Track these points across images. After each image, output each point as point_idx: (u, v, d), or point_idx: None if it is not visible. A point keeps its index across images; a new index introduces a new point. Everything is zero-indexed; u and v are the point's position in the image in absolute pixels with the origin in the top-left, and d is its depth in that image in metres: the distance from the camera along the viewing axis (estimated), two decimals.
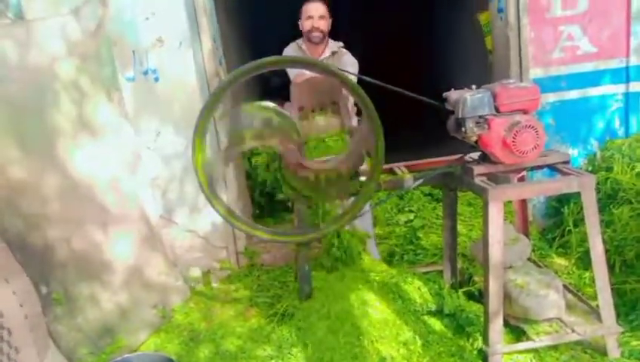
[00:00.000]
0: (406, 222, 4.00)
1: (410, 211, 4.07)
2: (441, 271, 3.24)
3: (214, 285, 3.62)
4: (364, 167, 2.76)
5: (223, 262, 3.75)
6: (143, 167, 3.48)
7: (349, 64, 3.32)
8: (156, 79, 3.49)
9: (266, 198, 4.16)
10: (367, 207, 2.77)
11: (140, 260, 3.17)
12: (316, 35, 3.28)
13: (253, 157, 3.96)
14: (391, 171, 2.95)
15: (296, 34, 3.49)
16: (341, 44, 3.45)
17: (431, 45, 7.44)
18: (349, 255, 2.98)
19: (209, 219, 3.67)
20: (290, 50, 3.41)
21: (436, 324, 2.92)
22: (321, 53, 3.37)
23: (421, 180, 2.81)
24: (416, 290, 3.15)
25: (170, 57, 3.45)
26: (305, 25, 3.31)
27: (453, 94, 2.67)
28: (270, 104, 2.58)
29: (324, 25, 3.29)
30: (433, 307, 3.03)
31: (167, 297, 3.29)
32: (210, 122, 2.70)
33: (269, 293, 3.38)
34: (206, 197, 2.61)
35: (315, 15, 3.25)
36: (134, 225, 3.20)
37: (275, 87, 6.32)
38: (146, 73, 3.47)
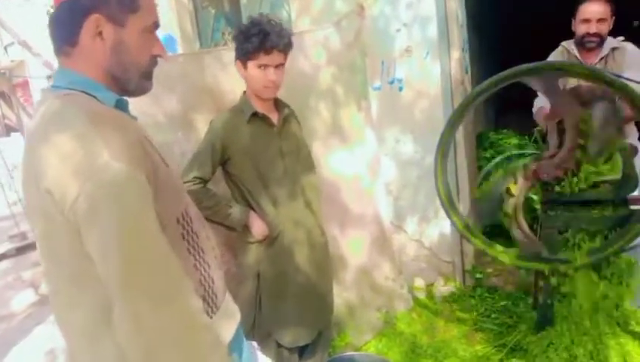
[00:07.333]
0: None
1: None
2: None
3: (437, 300, 3.52)
4: (636, 193, 2.34)
5: (448, 278, 3.63)
6: (381, 173, 3.58)
7: (636, 56, 2.81)
8: (400, 88, 3.56)
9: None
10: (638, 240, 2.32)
11: (370, 261, 3.25)
12: (592, 40, 2.83)
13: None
14: None
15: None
16: (621, 38, 2.90)
17: None
18: (622, 283, 2.51)
19: (437, 230, 3.61)
20: (557, 55, 3.02)
21: None
22: (596, 58, 2.89)
23: None
24: None
25: (416, 67, 3.48)
26: (579, 29, 2.87)
27: None
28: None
29: (604, 29, 2.80)
30: None
31: (391, 303, 3.31)
32: (454, 135, 2.63)
33: (497, 320, 3.13)
34: (445, 210, 2.55)
35: (594, 19, 2.79)
36: (369, 225, 3.31)
37: (513, 98, 5.95)
38: (392, 82, 3.57)
